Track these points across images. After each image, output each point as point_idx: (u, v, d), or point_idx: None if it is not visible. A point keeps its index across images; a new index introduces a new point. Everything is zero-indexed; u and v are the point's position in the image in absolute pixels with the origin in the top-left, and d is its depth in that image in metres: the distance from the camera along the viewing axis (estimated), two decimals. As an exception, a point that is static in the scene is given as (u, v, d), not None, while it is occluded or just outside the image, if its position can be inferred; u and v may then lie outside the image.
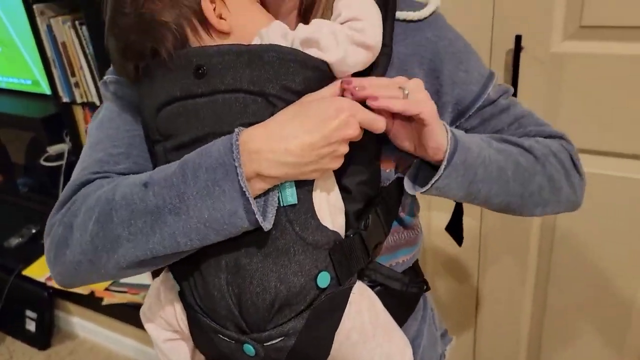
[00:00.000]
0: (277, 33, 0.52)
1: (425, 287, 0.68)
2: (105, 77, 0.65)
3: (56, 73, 1.89)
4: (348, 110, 0.50)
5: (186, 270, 0.56)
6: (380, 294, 0.61)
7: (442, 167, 0.54)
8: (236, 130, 0.49)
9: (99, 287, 1.86)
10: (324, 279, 0.54)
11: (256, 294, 0.53)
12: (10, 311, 2.04)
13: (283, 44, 0.52)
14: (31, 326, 2.02)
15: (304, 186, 0.52)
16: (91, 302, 1.90)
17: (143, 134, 0.61)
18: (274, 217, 0.50)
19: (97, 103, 1.84)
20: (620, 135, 0.99)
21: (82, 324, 2.06)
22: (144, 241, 0.50)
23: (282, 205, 0.51)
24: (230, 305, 0.54)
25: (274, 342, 0.54)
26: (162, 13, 0.51)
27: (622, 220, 1.06)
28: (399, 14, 0.60)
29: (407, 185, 0.59)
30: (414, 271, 0.72)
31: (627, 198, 1.03)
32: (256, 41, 0.53)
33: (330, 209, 0.54)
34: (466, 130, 0.64)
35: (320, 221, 0.53)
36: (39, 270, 1.97)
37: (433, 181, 0.55)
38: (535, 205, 0.64)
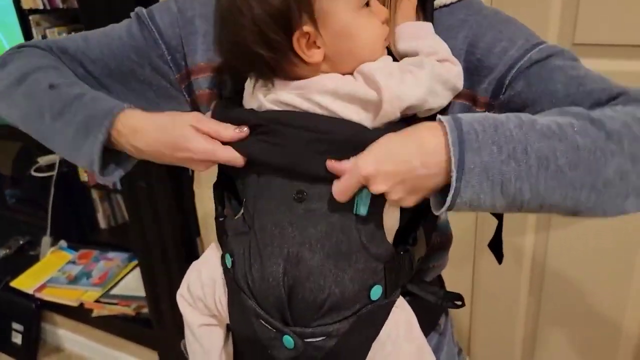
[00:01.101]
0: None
1: (461, 302, 0.62)
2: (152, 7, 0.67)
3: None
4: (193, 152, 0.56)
5: (246, 250, 0.57)
6: (409, 303, 0.61)
7: (454, 177, 0.46)
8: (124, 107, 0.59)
9: (88, 299, 1.84)
10: (376, 292, 0.56)
11: (310, 290, 0.54)
12: (-4, 324, 2.00)
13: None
14: (17, 339, 1.98)
15: (378, 202, 0.53)
16: (80, 314, 1.88)
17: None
18: (114, 179, 0.62)
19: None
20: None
21: (69, 337, 2.03)
22: (24, 116, 0.63)
23: (355, 213, 0.53)
24: (281, 294, 0.54)
25: (315, 340, 0.55)
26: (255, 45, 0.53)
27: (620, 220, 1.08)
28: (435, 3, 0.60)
29: (433, 204, 0.52)
30: (440, 280, 0.73)
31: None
32: (356, 77, 0.54)
33: (393, 226, 0.57)
34: (512, 99, 0.56)
35: (386, 236, 0.55)
36: (27, 282, 1.94)
37: (450, 198, 0.47)
38: (621, 197, 0.49)
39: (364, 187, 0.51)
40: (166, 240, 1.54)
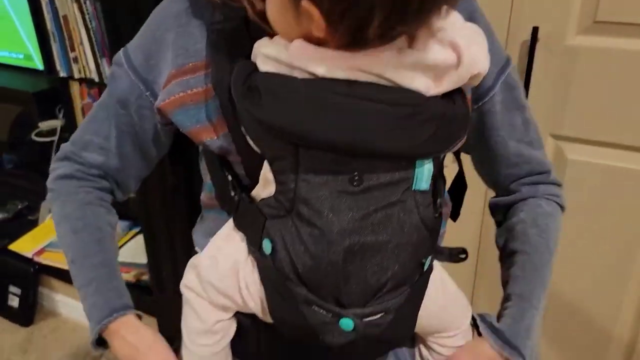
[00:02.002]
0: None
1: (465, 255, 0.66)
2: (127, 46, 0.66)
3: (55, 47, 1.87)
4: None
5: (292, 236, 0.53)
6: None
7: None
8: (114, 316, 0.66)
9: (88, 265, 1.84)
10: (427, 262, 0.57)
11: (372, 272, 0.53)
12: (-7, 286, 2.00)
13: None
14: (14, 302, 1.98)
15: (433, 175, 0.54)
16: (79, 280, 1.88)
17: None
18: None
19: (96, 79, 1.82)
20: (628, 128, 1.04)
21: (66, 302, 2.03)
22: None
23: (413, 189, 0.52)
24: (339, 279, 0.52)
25: (374, 317, 0.54)
26: None
27: (619, 214, 1.11)
28: None
29: None
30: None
31: (635, 190, 1.08)
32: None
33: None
34: (482, 117, 0.65)
35: (438, 208, 0.56)
36: (25, 246, 1.94)
37: None
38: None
39: (425, 163, 0.52)
40: (170, 206, 1.54)
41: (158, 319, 1.79)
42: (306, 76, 0.49)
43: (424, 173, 0.52)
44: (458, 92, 0.52)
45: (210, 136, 0.60)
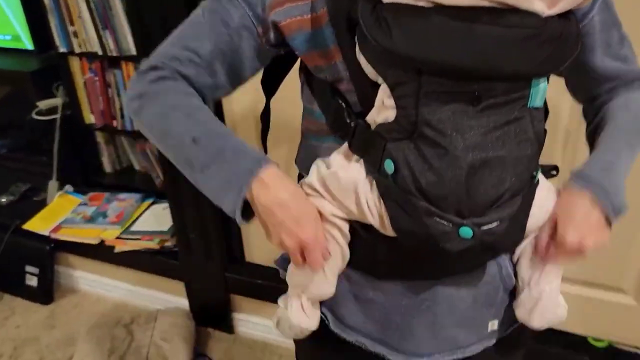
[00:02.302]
0: None
1: (556, 172, 0.71)
2: None
3: (53, 21, 1.84)
4: (312, 241, 0.62)
5: (415, 155, 0.57)
6: None
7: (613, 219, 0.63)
8: (262, 165, 0.63)
9: (109, 237, 1.86)
10: (537, 174, 0.62)
11: (492, 185, 0.57)
12: (8, 268, 1.99)
13: None
14: (32, 282, 1.98)
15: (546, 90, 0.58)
16: (100, 253, 1.90)
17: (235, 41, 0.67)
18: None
19: (99, 52, 1.82)
20: None
21: (85, 277, 2.05)
22: (176, 163, 0.68)
23: (528, 106, 0.57)
24: (462, 193, 0.56)
25: (491, 226, 0.58)
26: None
27: None
28: None
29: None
30: None
31: None
32: None
33: None
34: (583, 37, 0.64)
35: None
36: (40, 225, 1.93)
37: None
38: None
39: (540, 82, 0.56)
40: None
41: (186, 284, 1.84)
42: (431, 6, 0.53)
43: (539, 91, 0.56)
44: (570, 12, 0.56)
45: (325, 62, 0.64)
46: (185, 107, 0.67)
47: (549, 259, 0.65)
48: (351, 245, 0.68)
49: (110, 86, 1.91)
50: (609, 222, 0.64)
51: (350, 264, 0.69)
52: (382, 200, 0.60)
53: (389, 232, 0.62)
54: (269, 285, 1.69)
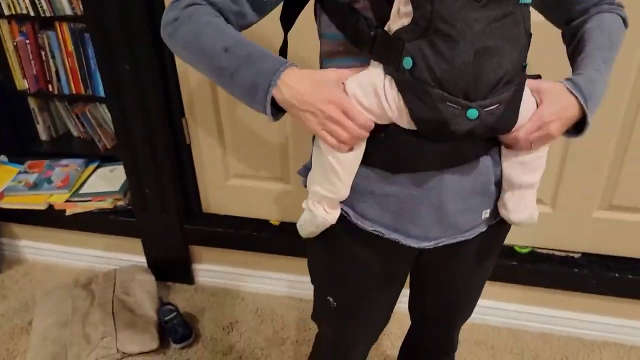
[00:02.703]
0: None
1: (539, 77, 0.82)
2: None
3: (-24, -18, 1.76)
4: (333, 109, 0.72)
5: (430, 49, 0.67)
6: None
7: (589, 116, 0.77)
8: (285, 66, 0.72)
9: (57, 200, 1.85)
10: (526, 65, 0.74)
11: (492, 70, 0.68)
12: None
13: None
14: (-25, 255, 1.92)
15: None
16: (49, 218, 1.89)
17: None
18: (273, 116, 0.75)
19: (31, 13, 1.77)
20: None
21: (30, 246, 2.02)
22: (209, 73, 0.78)
23: (520, 2, 0.68)
24: (469, 78, 0.67)
25: (492, 107, 0.70)
26: None
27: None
28: None
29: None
30: None
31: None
32: None
33: None
34: None
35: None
36: (-20, 195, 1.88)
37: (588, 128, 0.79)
38: None
39: None
40: (150, 122, 1.62)
41: (143, 241, 1.88)
42: None
43: None
44: None
45: None
46: (216, 24, 0.76)
47: (530, 142, 0.78)
48: (370, 146, 0.78)
49: (44, 49, 1.87)
50: (575, 127, 0.80)
51: (370, 164, 0.80)
52: (400, 95, 0.72)
53: (406, 123, 0.74)
54: (227, 233, 1.79)
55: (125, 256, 1.96)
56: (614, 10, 0.86)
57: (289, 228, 1.76)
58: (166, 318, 1.72)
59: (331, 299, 0.97)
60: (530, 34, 0.73)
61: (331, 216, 0.84)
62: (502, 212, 0.86)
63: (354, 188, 0.82)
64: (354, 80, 0.75)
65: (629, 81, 1.32)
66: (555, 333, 1.68)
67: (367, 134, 0.74)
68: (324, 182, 0.81)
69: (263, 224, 1.79)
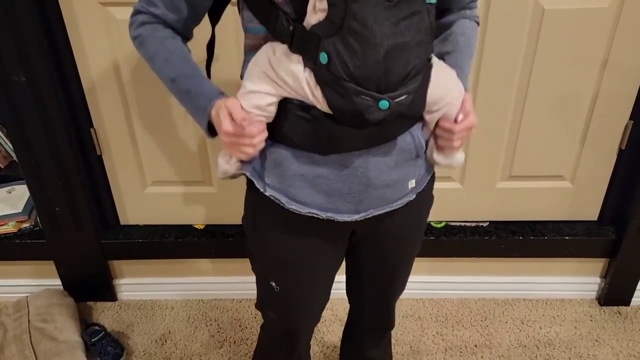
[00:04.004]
0: None
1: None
2: None
3: None
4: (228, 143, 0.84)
5: (344, 46, 0.72)
6: None
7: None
8: (212, 102, 0.84)
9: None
10: (431, 58, 0.81)
11: (401, 65, 0.74)
12: None
13: None
14: None
15: None
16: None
17: None
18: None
19: None
20: None
21: None
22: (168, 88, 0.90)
23: (427, 2, 0.75)
24: (380, 73, 0.73)
25: (401, 98, 0.76)
26: None
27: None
28: None
29: None
30: None
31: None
32: None
33: None
34: None
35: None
36: None
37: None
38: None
39: None
40: (53, 135, 1.51)
41: (56, 261, 1.76)
42: None
43: None
44: None
45: None
46: (163, 53, 0.86)
47: (461, 127, 0.88)
48: (299, 130, 0.83)
49: None
50: None
51: (299, 146, 0.85)
52: (319, 86, 0.76)
53: (326, 110, 0.79)
54: (149, 243, 1.73)
55: (36, 281, 1.83)
56: (474, 19, 0.98)
57: (215, 230, 1.74)
58: (93, 340, 1.63)
59: (273, 284, 1.02)
60: (434, 30, 0.80)
61: (229, 168, 0.90)
62: (429, 154, 0.95)
63: (284, 173, 0.87)
64: (279, 58, 0.78)
65: (517, 69, 1.47)
66: (473, 297, 1.83)
67: (259, 142, 0.83)
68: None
69: (187, 229, 1.75)
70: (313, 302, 1.08)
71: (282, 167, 0.87)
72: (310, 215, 0.89)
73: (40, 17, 1.37)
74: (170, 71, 0.86)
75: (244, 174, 0.92)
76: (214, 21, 0.95)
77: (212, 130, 0.87)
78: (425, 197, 1.00)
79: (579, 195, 1.70)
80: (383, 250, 1.04)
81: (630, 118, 1.55)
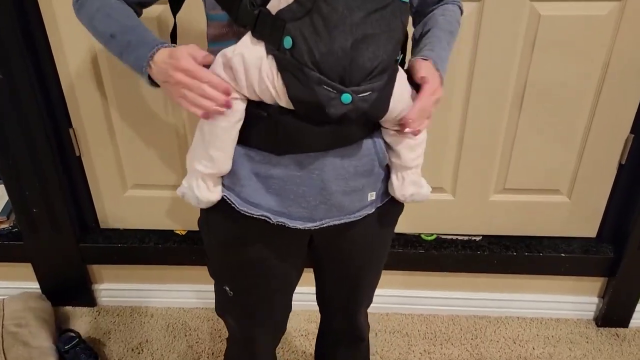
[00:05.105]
0: None
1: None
2: None
3: None
4: (181, 76, 0.74)
5: (310, 31, 0.69)
6: None
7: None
8: (155, 49, 0.77)
9: None
10: (399, 59, 0.78)
11: (368, 58, 0.71)
12: None
13: None
14: None
15: None
16: None
17: None
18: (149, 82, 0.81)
19: None
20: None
21: None
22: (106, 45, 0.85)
23: (401, 0, 0.73)
24: (346, 63, 0.70)
25: (365, 94, 0.73)
26: None
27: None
28: None
29: None
30: None
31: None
32: None
33: None
34: None
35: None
36: None
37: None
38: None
39: None
40: (30, 135, 1.47)
41: (34, 264, 1.71)
42: None
43: None
44: None
45: None
46: (105, 8, 0.82)
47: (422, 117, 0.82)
48: (254, 127, 0.79)
49: None
50: None
51: (253, 145, 0.80)
52: (279, 74, 0.72)
53: (285, 103, 0.74)
54: (128, 248, 1.68)
55: (14, 284, 1.78)
56: (456, 3, 0.96)
57: (196, 237, 1.69)
58: (66, 347, 1.58)
59: (227, 288, 0.98)
60: (407, 31, 0.77)
61: (213, 196, 0.84)
62: (392, 190, 0.89)
63: (238, 172, 0.83)
64: (240, 54, 0.74)
65: (511, 78, 1.41)
66: (464, 314, 1.76)
67: (226, 97, 0.75)
68: (204, 157, 0.80)
69: (167, 234, 1.70)
70: (271, 310, 1.03)
71: (235, 166, 0.82)
72: (262, 218, 0.84)
73: (19, 15, 1.33)
74: (111, 25, 0.81)
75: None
76: (175, 9, 0.91)
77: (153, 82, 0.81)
78: (390, 211, 0.95)
79: (577, 211, 1.62)
80: (343, 263, 0.99)
81: (631, 132, 1.47)
